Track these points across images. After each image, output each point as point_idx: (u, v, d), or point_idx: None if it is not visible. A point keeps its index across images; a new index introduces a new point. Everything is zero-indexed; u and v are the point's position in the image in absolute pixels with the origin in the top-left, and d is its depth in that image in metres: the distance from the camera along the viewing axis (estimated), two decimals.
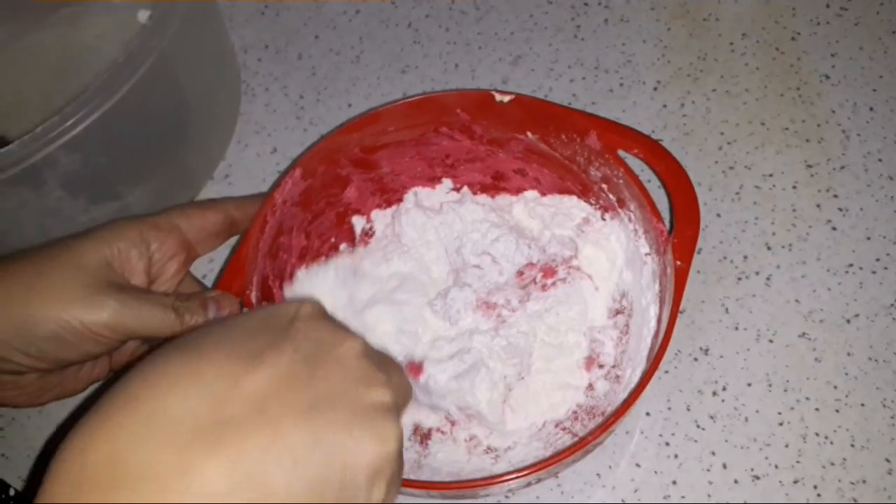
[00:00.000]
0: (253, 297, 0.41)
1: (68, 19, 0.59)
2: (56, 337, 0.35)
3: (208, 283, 0.50)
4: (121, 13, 0.59)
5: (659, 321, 0.39)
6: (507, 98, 0.44)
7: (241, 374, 0.24)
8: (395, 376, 0.29)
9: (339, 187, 0.47)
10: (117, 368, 0.44)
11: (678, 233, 0.40)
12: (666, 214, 0.44)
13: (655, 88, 0.54)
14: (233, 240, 0.45)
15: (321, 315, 0.28)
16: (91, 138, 0.41)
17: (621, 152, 0.43)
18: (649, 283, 0.41)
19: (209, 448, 0.21)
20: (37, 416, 0.47)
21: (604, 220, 0.46)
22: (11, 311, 0.35)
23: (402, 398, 0.29)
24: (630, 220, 0.43)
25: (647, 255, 0.42)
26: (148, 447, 0.21)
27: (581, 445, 0.35)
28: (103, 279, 0.36)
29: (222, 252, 0.49)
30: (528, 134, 0.45)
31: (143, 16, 0.59)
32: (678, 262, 0.39)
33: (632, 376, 0.40)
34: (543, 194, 0.48)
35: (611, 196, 0.44)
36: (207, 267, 0.51)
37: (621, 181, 0.43)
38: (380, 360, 0.28)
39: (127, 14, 0.59)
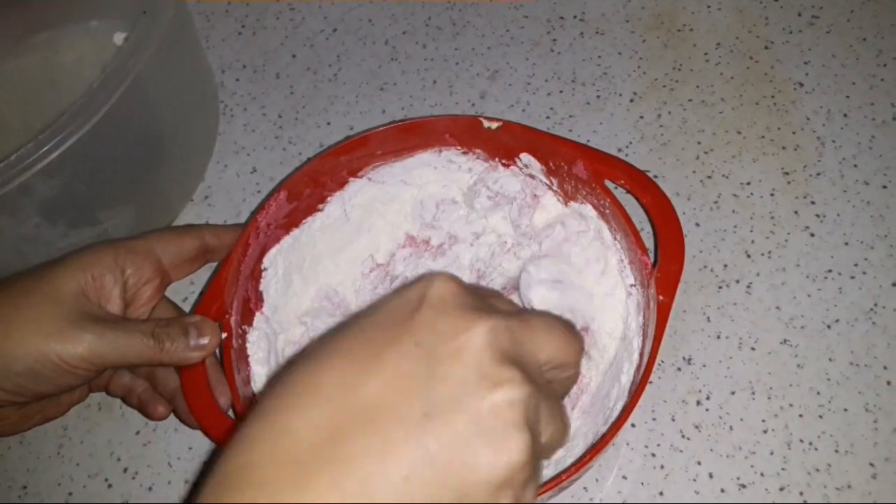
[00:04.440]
0: (232, 321, 0.41)
1: (47, 43, 0.59)
2: (33, 372, 0.35)
3: (188, 305, 0.50)
4: (99, 36, 0.59)
5: (641, 354, 0.39)
6: (494, 125, 0.44)
7: (358, 380, 0.24)
8: (542, 351, 0.26)
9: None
10: (97, 390, 0.44)
11: (662, 267, 0.39)
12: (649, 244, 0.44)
13: (632, 100, 0.55)
14: (216, 263, 0.45)
15: (454, 292, 0.25)
16: (68, 164, 0.40)
17: (608, 182, 0.43)
18: (633, 314, 0.41)
19: (322, 465, 0.22)
20: (17, 445, 0.47)
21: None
22: None
23: (560, 382, 0.26)
24: (616, 249, 0.43)
25: (632, 286, 0.42)
26: (272, 462, 0.23)
27: (557, 483, 0.35)
28: (79, 310, 0.36)
29: (203, 275, 0.48)
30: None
31: (119, 38, 0.60)
32: (661, 297, 0.39)
33: (613, 408, 0.39)
34: None
35: None
36: (188, 290, 0.50)
37: (608, 211, 0.43)
38: (513, 345, 0.25)
39: (105, 37, 0.59)
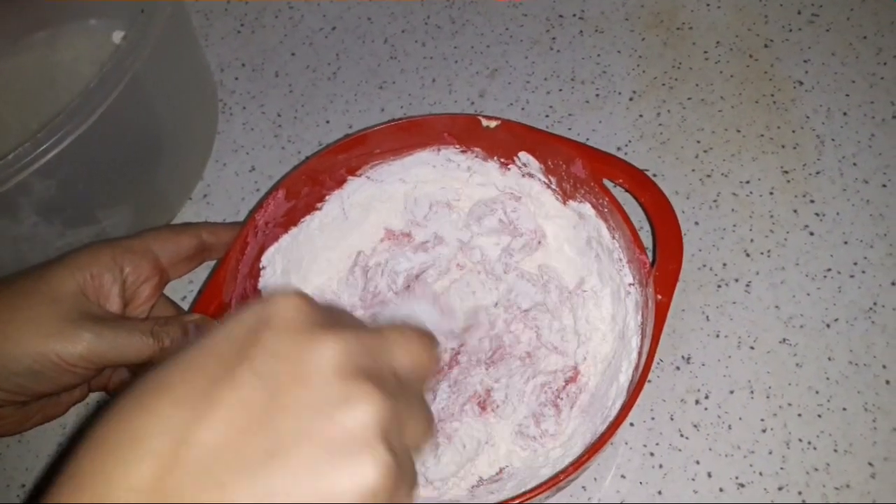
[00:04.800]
0: None
1: (45, 41, 0.59)
2: (32, 371, 0.35)
3: (187, 303, 0.50)
4: (97, 35, 0.59)
5: (640, 353, 0.39)
6: (493, 123, 0.44)
7: (190, 425, 0.21)
8: (397, 360, 0.24)
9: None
10: (97, 389, 0.44)
11: (660, 266, 0.39)
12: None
13: (631, 98, 0.55)
14: (214, 262, 0.45)
15: (299, 310, 0.23)
16: (65, 163, 0.40)
17: (606, 181, 0.43)
18: (632, 313, 0.41)
19: None
20: (16, 444, 0.46)
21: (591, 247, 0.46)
22: None
23: (405, 394, 0.24)
24: (615, 248, 0.43)
25: (630, 285, 0.42)
26: None
27: (554, 483, 0.35)
28: (78, 310, 0.36)
29: (201, 273, 0.48)
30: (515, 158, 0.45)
31: (118, 37, 0.59)
32: (659, 296, 0.39)
33: (612, 408, 0.39)
34: None
35: None
36: (187, 288, 0.50)
37: (606, 210, 0.43)
38: (365, 357, 0.23)
39: (103, 35, 0.59)
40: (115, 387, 0.43)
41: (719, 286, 0.47)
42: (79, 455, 0.21)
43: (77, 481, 0.21)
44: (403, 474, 0.23)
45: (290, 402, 0.21)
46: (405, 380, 0.25)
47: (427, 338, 0.27)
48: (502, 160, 0.46)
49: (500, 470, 0.42)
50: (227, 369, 0.22)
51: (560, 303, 0.45)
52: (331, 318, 0.24)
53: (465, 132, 0.45)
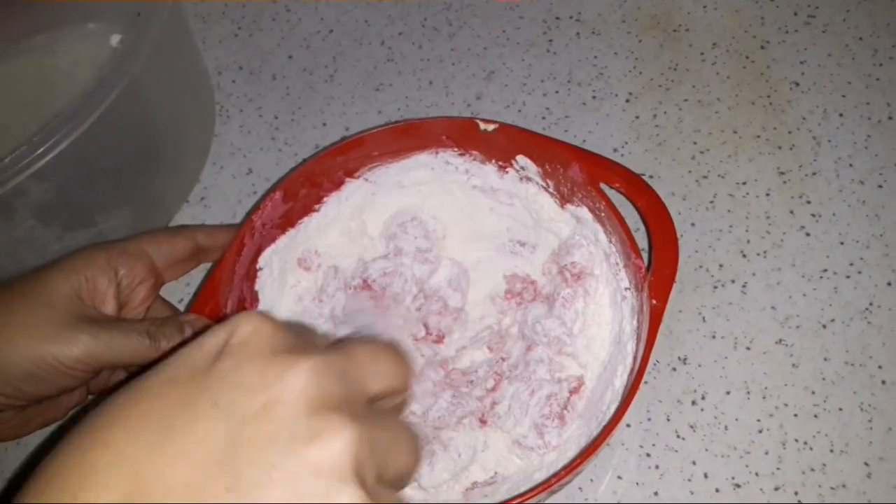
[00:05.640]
0: None
1: (43, 45, 0.59)
2: (30, 375, 0.35)
3: (184, 305, 0.50)
4: (94, 38, 0.59)
5: (634, 358, 0.39)
6: (491, 127, 0.44)
7: (143, 459, 0.20)
8: (370, 383, 0.23)
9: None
10: (96, 392, 0.44)
11: (656, 271, 0.39)
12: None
13: (628, 100, 0.55)
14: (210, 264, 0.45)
15: (261, 334, 0.22)
16: (62, 166, 0.40)
17: (603, 185, 0.43)
18: (628, 318, 0.41)
19: None
20: (14, 447, 0.47)
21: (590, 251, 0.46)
22: None
23: (382, 419, 0.22)
24: (612, 252, 0.43)
25: (626, 289, 0.42)
26: None
27: (547, 486, 0.35)
28: (74, 312, 0.36)
29: (198, 275, 0.48)
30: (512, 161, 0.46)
31: (115, 40, 0.60)
32: (654, 301, 0.39)
33: (607, 412, 0.39)
34: None
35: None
36: (184, 291, 0.50)
37: (603, 214, 0.43)
38: (336, 385, 0.21)
39: (101, 39, 0.59)
40: (114, 388, 0.43)
41: (716, 287, 0.48)
42: (32, 487, 0.20)
43: None
44: None
45: (254, 437, 0.20)
46: (380, 403, 0.24)
47: (398, 357, 0.25)
48: (500, 163, 0.46)
49: (495, 473, 0.42)
50: (185, 400, 0.20)
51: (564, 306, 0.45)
52: (296, 341, 0.22)
53: (463, 135, 0.45)
